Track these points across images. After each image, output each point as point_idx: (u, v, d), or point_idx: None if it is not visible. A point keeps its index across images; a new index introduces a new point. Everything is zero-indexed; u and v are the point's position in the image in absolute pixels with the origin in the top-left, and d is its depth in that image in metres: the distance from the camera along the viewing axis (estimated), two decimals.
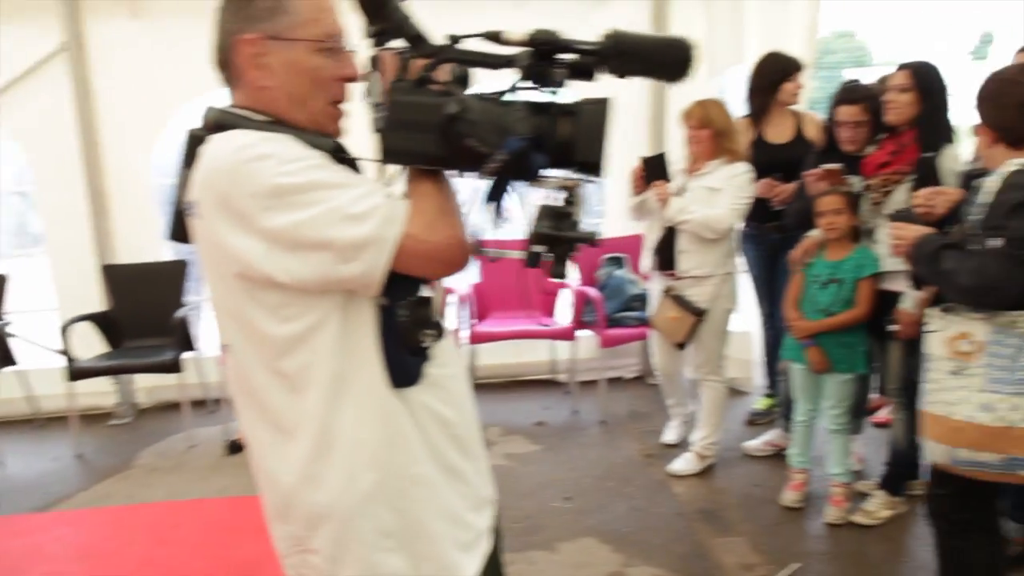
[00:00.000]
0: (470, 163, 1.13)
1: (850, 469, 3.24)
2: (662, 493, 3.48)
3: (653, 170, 3.51)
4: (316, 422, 1.19)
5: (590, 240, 1.14)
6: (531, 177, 1.14)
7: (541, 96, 1.16)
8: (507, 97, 1.15)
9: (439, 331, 1.26)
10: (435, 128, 1.11)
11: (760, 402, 4.28)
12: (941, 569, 2.34)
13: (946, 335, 2.07)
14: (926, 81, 2.87)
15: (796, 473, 3.34)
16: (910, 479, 3.14)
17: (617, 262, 4.52)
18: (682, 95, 4.05)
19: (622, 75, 1.14)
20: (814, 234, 3.15)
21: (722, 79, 4.50)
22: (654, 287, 3.72)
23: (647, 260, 3.67)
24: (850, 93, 3.18)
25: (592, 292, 4.33)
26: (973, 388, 2.01)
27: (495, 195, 1.15)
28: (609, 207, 4.76)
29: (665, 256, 3.53)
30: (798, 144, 3.69)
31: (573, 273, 4.62)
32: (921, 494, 2.81)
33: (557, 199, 1.16)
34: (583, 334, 4.45)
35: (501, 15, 4.03)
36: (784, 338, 3.28)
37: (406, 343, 1.21)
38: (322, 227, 1.10)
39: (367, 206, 1.11)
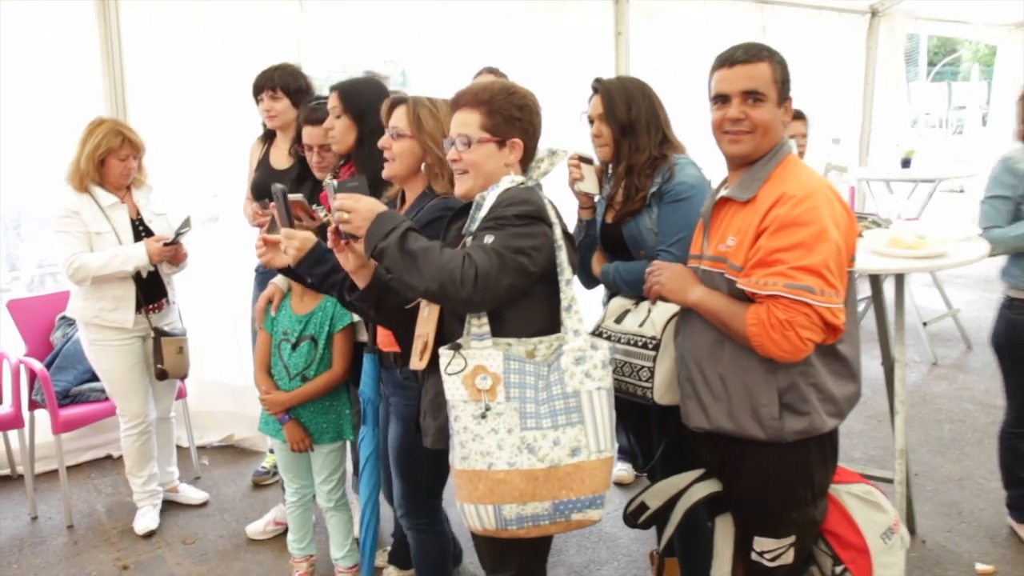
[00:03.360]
0: None
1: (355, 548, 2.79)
2: None
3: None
4: None
5: None
6: None
7: None
8: None
9: None
10: None
11: (269, 459, 3.69)
12: None
13: (464, 374, 1.71)
14: (355, 105, 2.45)
15: (298, 563, 2.81)
16: None
17: (72, 322, 3.57)
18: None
19: None
20: (278, 280, 2.62)
21: None
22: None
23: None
24: (312, 113, 2.72)
25: (36, 366, 3.33)
26: (504, 428, 1.70)
27: None
28: None
29: (149, 290, 3.23)
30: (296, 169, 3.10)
31: (13, 341, 3.57)
32: None
33: None
34: (41, 415, 3.45)
35: None
36: (261, 411, 2.70)
37: None
38: None
39: None
